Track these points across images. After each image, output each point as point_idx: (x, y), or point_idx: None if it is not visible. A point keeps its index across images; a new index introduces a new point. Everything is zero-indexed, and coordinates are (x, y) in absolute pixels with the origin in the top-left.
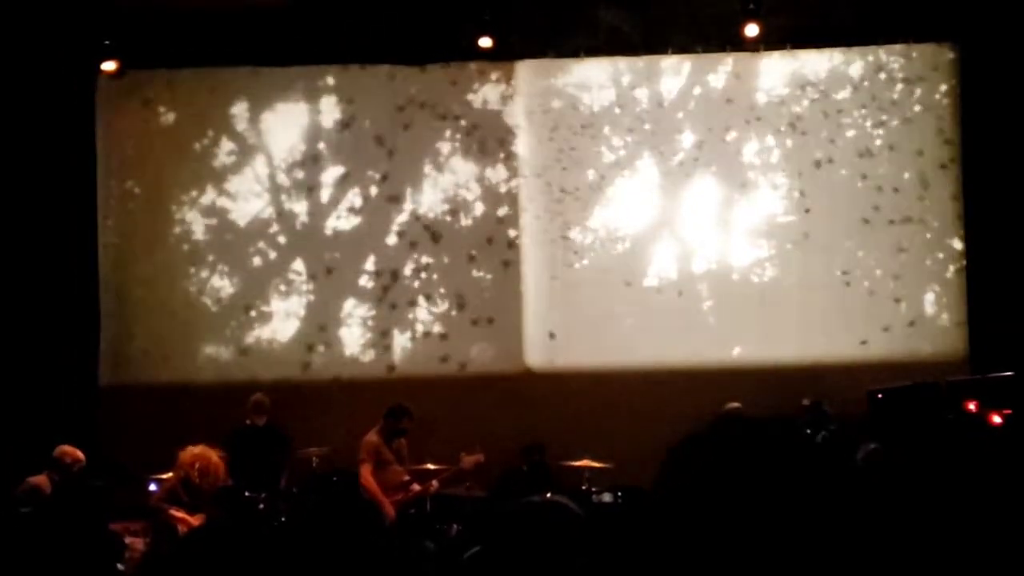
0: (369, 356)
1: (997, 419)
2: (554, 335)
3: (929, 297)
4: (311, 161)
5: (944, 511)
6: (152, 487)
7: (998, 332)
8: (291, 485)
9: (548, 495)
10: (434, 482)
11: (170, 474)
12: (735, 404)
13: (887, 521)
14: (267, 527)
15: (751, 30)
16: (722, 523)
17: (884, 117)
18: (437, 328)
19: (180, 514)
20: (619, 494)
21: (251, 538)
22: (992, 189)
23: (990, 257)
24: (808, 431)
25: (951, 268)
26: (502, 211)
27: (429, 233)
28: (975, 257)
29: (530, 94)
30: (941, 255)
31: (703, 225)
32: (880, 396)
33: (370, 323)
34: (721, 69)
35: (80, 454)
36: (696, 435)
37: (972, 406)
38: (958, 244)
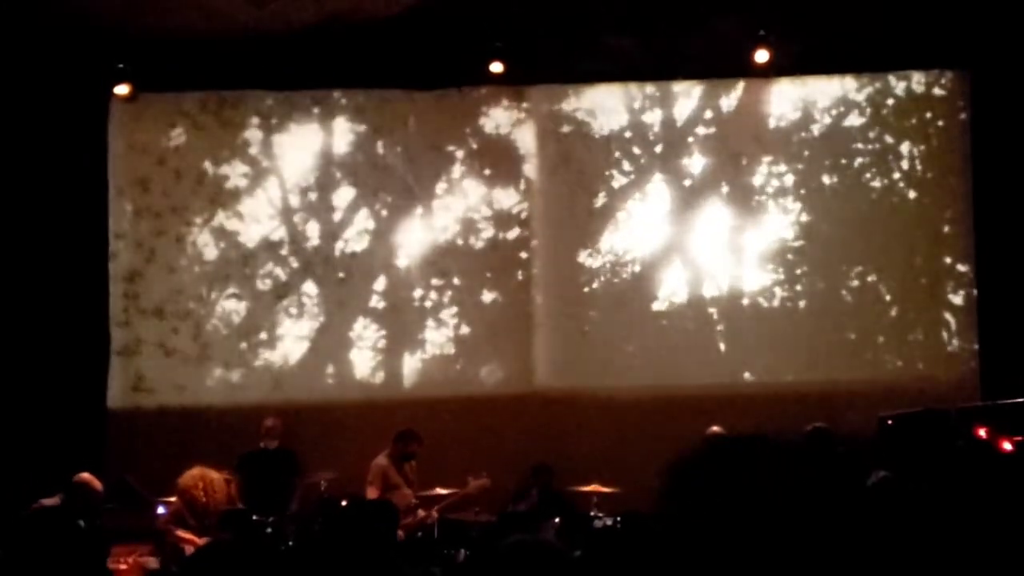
0: (379, 378)
1: (1008, 446)
2: (564, 358)
3: (940, 323)
4: (323, 184)
5: (953, 538)
6: (160, 510)
7: (1009, 358)
8: (301, 509)
9: (556, 520)
10: (433, 510)
11: (177, 496)
12: (716, 428)
13: (897, 547)
14: (274, 550)
15: (761, 56)
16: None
17: (894, 143)
18: (447, 350)
19: (187, 536)
20: (618, 519)
21: (256, 560)
22: (1003, 215)
23: (1001, 283)
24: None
25: (962, 294)
26: (512, 234)
27: (440, 255)
28: (986, 283)
29: (541, 119)
30: (952, 281)
31: (713, 249)
32: (890, 422)
33: (380, 345)
34: (731, 95)
35: (94, 486)
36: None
37: (983, 432)
38: (969, 270)
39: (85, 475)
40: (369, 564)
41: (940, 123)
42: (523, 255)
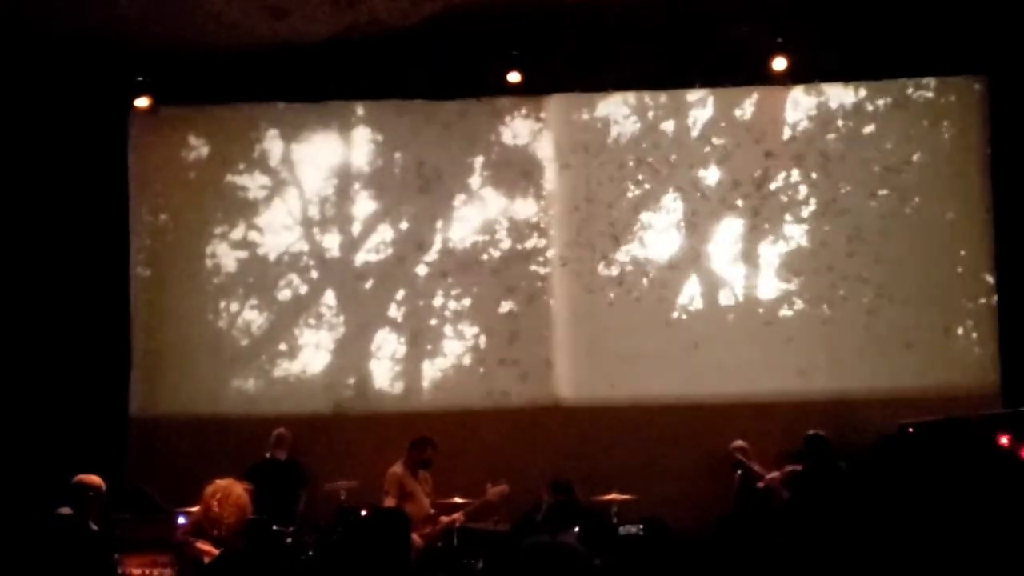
0: (398, 389)
1: None
2: (582, 368)
3: (960, 331)
4: (342, 195)
5: (975, 543)
6: (180, 520)
7: None
8: (316, 518)
9: (576, 529)
10: (458, 515)
11: (197, 507)
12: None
13: (920, 553)
14: (293, 559)
15: (779, 64)
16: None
17: (911, 151)
18: (466, 361)
19: (206, 547)
20: (641, 527)
21: (274, 569)
22: (1022, 221)
23: (1021, 290)
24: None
25: (982, 301)
26: (531, 244)
27: (459, 266)
28: (1006, 290)
29: (559, 128)
30: (972, 288)
31: (730, 258)
32: (911, 430)
33: (399, 356)
34: (747, 103)
35: (94, 483)
36: None
37: (1004, 440)
38: (989, 277)
39: (82, 476)
40: (380, 572)
41: (958, 130)
42: (541, 265)
